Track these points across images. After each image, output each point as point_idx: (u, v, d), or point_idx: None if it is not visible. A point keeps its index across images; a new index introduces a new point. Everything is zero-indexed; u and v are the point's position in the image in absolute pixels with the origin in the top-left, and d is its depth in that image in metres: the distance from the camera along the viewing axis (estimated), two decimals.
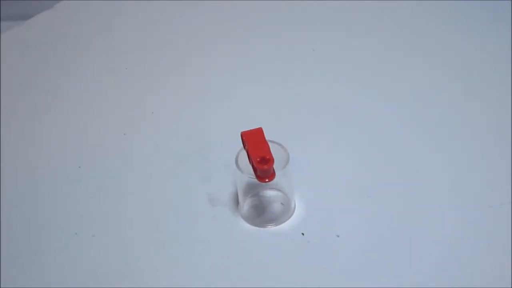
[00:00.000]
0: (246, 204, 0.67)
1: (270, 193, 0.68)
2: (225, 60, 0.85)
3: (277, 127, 0.74)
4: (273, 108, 0.78)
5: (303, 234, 0.65)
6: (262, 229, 0.65)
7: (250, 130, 0.63)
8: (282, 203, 0.67)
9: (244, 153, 0.63)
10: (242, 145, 0.63)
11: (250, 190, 0.67)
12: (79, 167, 0.72)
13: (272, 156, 0.61)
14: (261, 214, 0.66)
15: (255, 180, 0.63)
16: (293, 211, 0.66)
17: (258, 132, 0.62)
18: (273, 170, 0.61)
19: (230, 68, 0.84)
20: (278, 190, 0.67)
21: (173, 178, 0.70)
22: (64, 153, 0.74)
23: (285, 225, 0.65)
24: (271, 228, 0.65)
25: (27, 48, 0.89)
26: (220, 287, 0.61)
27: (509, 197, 0.66)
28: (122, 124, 0.77)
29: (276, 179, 0.63)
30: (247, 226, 0.66)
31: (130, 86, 0.82)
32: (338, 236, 0.64)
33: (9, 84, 0.83)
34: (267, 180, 0.61)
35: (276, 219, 0.66)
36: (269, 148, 0.61)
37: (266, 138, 0.62)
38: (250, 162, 0.62)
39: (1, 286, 0.62)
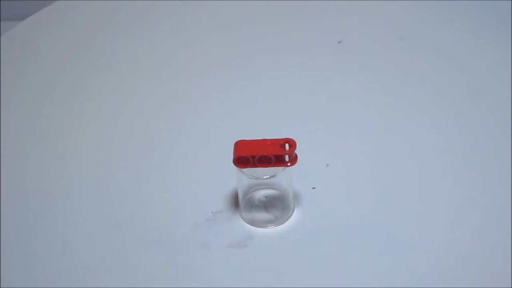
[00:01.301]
0: (246, 205, 0.67)
1: (270, 193, 0.68)
2: (220, 61, 0.85)
3: (276, 127, 0.74)
4: (272, 108, 0.78)
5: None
6: (262, 229, 0.65)
7: (235, 151, 0.61)
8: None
9: None
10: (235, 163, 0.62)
11: (250, 190, 0.67)
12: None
13: (290, 139, 0.61)
14: (261, 214, 0.66)
15: (255, 181, 0.64)
16: (293, 211, 0.66)
17: (245, 142, 0.62)
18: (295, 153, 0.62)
19: (226, 69, 0.84)
20: (278, 190, 0.67)
21: (170, 178, 0.71)
22: (63, 153, 0.74)
23: (285, 225, 0.66)
24: (271, 228, 0.65)
25: (25, 48, 0.89)
26: (221, 287, 0.61)
27: (509, 197, 0.66)
28: (121, 124, 0.77)
29: (276, 179, 0.63)
30: (247, 226, 0.66)
31: (127, 85, 0.82)
32: (338, 236, 0.64)
33: (9, 84, 0.83)
34: (289, 164, 0.61)
35: (276, 219, 0.66)
36: (275, 139, 0.62)
37: (266, 138, 0.62)
38: (267, 165, 0.62)
39: (1, 286, 0.62)
